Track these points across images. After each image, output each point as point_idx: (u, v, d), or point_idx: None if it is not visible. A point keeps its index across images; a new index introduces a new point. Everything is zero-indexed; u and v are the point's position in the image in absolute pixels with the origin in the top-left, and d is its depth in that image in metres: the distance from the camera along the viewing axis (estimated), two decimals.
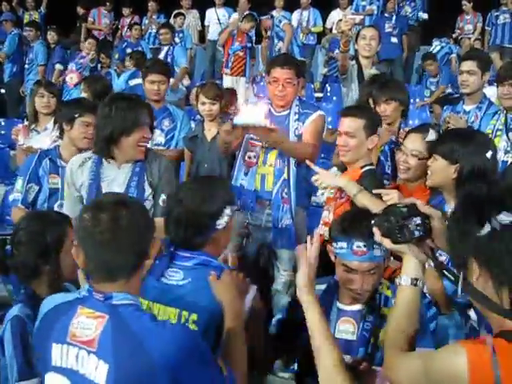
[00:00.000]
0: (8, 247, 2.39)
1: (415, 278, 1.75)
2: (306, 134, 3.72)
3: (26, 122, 4.54)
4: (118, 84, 7.40)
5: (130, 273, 1.72)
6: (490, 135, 3.91)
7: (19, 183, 3.58)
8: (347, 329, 2.30)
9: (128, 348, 1.61)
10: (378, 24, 7.18)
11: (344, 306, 2.34)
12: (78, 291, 1.82)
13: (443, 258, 2.53)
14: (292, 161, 3.71)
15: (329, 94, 8.92)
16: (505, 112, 4.05)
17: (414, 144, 3.13)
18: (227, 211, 2.14)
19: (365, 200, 2.89)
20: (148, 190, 3.10)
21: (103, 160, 3.11)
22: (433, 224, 1.71)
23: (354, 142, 3.24)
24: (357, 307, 2.31)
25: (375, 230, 1.77)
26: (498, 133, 4.01)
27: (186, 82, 8.15)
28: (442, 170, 2.76)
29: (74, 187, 3.13)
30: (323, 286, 2.40)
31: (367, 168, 3.28)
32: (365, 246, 2.20)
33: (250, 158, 3.81)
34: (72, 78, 7.76)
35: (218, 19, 10.30)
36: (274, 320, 2.50)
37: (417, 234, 1.69)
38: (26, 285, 2.34)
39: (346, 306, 2.33)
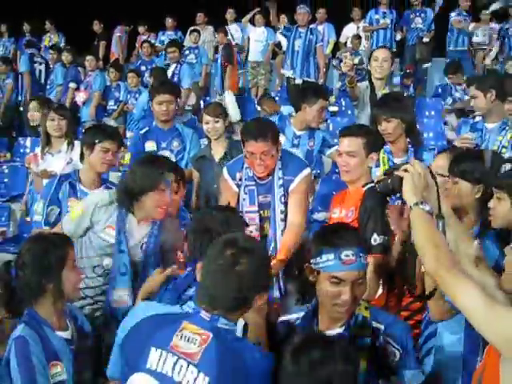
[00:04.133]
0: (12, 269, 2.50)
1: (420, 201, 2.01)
2: (291, 207, 3.53)
3: (37, 149, 4.66)
4: (140, 102, 7.48)
5: (228, 308, 1.92)
6: None
7: (40, 206, 3.66)
8: None
9: (231, 367, 1.84)
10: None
11: (325, 331, 2.24)
12: (181, 307, 2.01)
13: None
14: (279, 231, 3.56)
15: (343, 109, 8.93)
16: None
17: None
18: None
19: None
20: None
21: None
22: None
23: (354, 162, 3.25)
24: (337, 330, 2.24)
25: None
26: (503, 150, 3.95)
27: (191, 101, 8.15)
28: (464, 192, 2.68)
29: (90, 219, 3.08)
30: (301, 314, 2.37)
31: (369, 186, 3.28)
32: (353, 254, 2.17)
33: (251, 232, 3.48)
34: (80, 96, 7.88)
35: (232, 35, 10.39)
36: None
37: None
38: (29, 306, 2.47)
39: (327, 331, 2.24)
